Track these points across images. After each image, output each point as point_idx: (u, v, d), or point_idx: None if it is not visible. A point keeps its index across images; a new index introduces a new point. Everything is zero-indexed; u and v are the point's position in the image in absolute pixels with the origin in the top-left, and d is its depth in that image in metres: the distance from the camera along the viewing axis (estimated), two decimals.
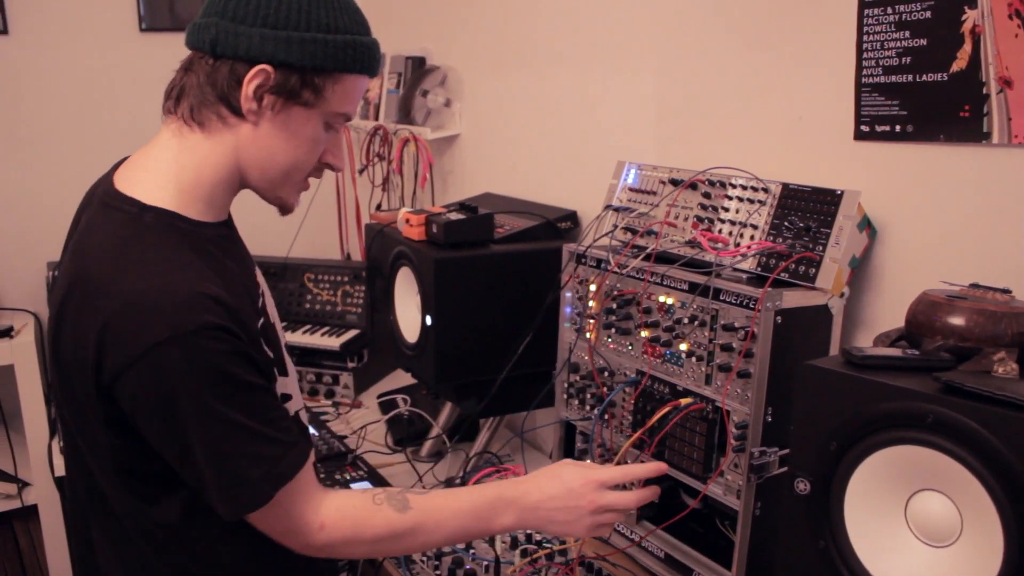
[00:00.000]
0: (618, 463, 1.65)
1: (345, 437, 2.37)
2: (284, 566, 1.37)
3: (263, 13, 1.21)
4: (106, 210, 1.25)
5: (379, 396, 2.65)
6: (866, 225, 1.47)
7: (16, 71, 3.00)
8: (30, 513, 2.81)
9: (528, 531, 1.75)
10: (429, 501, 1.34)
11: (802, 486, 1.12)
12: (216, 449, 1.19)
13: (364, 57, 1.27)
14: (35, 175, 3.08)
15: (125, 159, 1.35)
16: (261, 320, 1.34)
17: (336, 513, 1.29)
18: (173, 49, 1.33)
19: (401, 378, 2.73)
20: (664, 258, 1.59)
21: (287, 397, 1.39)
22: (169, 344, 1.13)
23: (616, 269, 1.65)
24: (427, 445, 2.33)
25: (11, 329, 2.76)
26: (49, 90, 3.06)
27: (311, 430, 2.34)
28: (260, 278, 1.44)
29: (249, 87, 1.22)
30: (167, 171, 1.26)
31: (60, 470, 2.64)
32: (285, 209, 1.38)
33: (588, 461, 1.44)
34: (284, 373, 1.40)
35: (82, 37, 3.08)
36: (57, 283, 1.27)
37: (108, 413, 1.20)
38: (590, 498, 1.37)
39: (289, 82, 1.22)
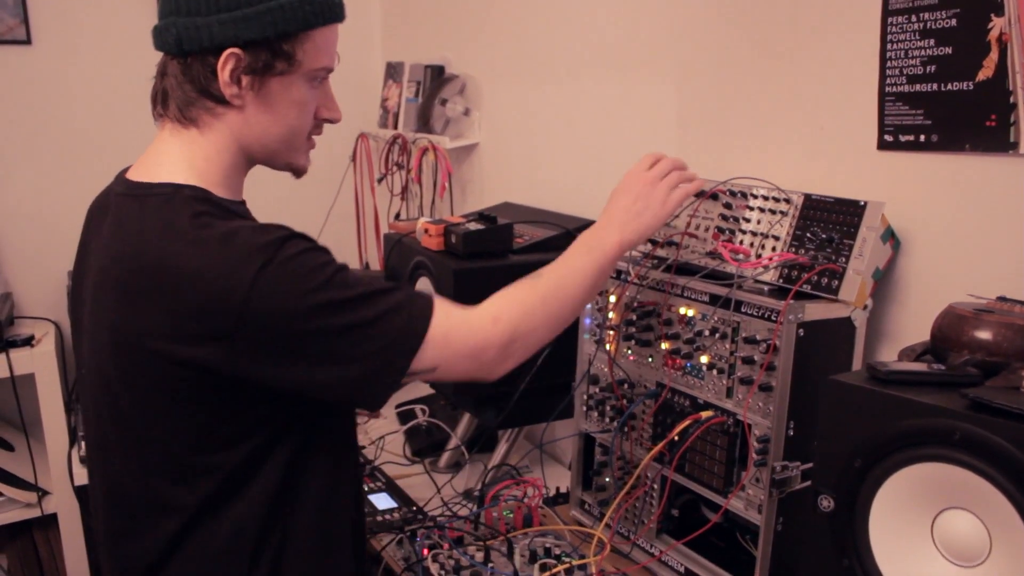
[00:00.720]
0: (638, 476, 1.64)
1: (363, 448, 2.36)
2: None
3: (214, 0, 1.22)
4: (136, 200, 1.27)
5: (397, 406, 2.64)
6: (890, 236, 1.45)
7: (39, 81, 3.02)
8: (50, 522, 2.82)
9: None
10: (549, 266, 1.43)
11: (826, 503, 1.10)
12: (359, 322, 1.21)
13: (324, 7, 1.28)
14: (55, 184, 3.10)
15: (126, 169, 1.37)
16: None
17: (499, 301, 1.35)
18: (159, 62, 1.33)
19: (419, 388, 2.72)
20: (685, 269, 1.58)
21: None
22: (268, 267, 1.16)
23: (636, 280, 1.63)
24: (445, 456, 2.32)
25: (32, 338, 2.77)
26: (70, 100, 3.08)
27: None
28: None
29: (224, 74, 1.24)
30: (180, 161, 1.30)
31: (80, 479, 2.65)
32: (298, 172, 1.41)
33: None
34: None
35: (104, 47, 3.09)
36: (97, 277, 1.27)
37: (207, 368, 1.19)
38: (645, 179, 1.49)
39: (260, 58, 1.24)
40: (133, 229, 1.24)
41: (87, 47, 3.07)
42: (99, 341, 1.28)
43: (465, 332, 1.31)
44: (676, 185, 1.49)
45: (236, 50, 1.23)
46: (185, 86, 1.27)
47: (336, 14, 1.31)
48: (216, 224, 1.21)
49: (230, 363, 1.19)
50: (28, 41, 2.98)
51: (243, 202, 1.39)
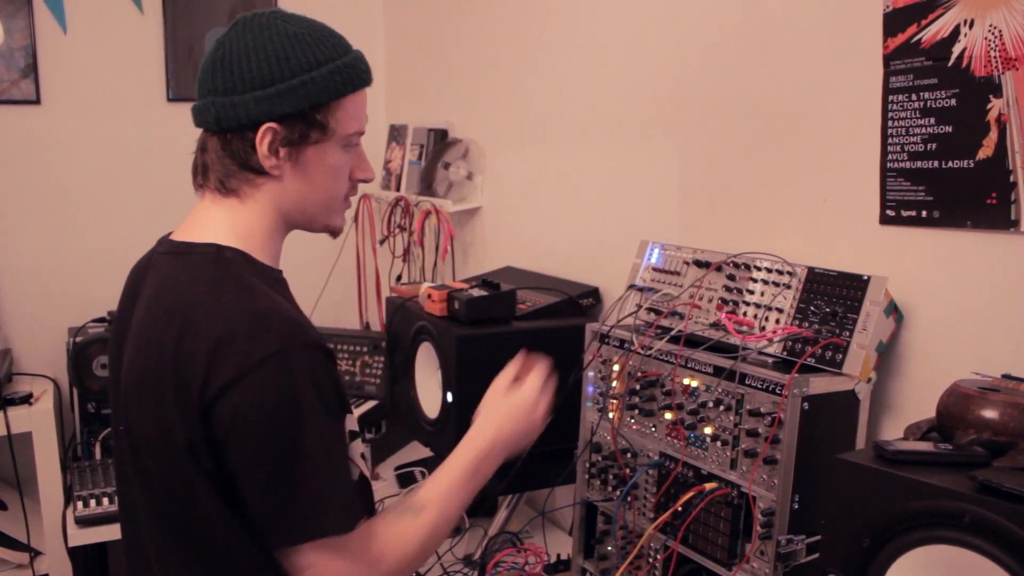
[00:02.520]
0: (641, 547, 1.63)
1: None
2: None
3: (247, 78, 1.28)
4: (181, 257, 1.34)
5: (396, 468, 2.63)
6: (893, 310, 1.47)
7: (47, 140, 3.06)
8: None
9: None
10: (433, 492, 1.40)
11: None
12: (314, 462, 1.21)
13: (352, 76, 1.33)
14: (58, 242, 3.12)
15: (168, 235, 1.42)
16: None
17: (383, 544, 1.32)
18: (198, 138, 1.37)
19: (418, 449, 2.71)
20: (688, 340, 1.58)
21: (354, 434, 1.45)
22: (281, 355, 1.19)
23: (640, 351, 1.64)
24: None
25: (30, 396, 2.76)
26: (77, 159, 3.11)
27: None
28: None
29: (262, 147, 1.29)
30: (224, 226, 1.35)
31: (74, 540, 2.62)
32: (334, 232, 1.46)
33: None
34: (350, 411, 1.45)
35: (112, 107, 3.14)
36: (146, 327, 1.30)
37: (197, 437, 1.22)
38: (533, 416, 1.53)
39: (296, 130, 1.30)
40: (175, 282, 1.31)
41: (95, 108, 3.12)
42: (143, 395, 1.30)
43: (360, 551, 1.29)
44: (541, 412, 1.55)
45: (273, 124, 1.28)
46: (225, 160, 1.32)
47: (364, 80, 1.37)
48: (257, 297, 1.26)
49: (203, 430, 1.22)
50: (37, 101, 3.02)
51: (280, 271, 1.42)
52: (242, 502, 1.24)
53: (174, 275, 1.32)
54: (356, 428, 1.46)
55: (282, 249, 1.43)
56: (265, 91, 1.27)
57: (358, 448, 1.44)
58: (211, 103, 1.30)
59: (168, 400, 1.23)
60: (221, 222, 1.34)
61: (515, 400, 1.52)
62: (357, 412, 2.64)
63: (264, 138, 1.29)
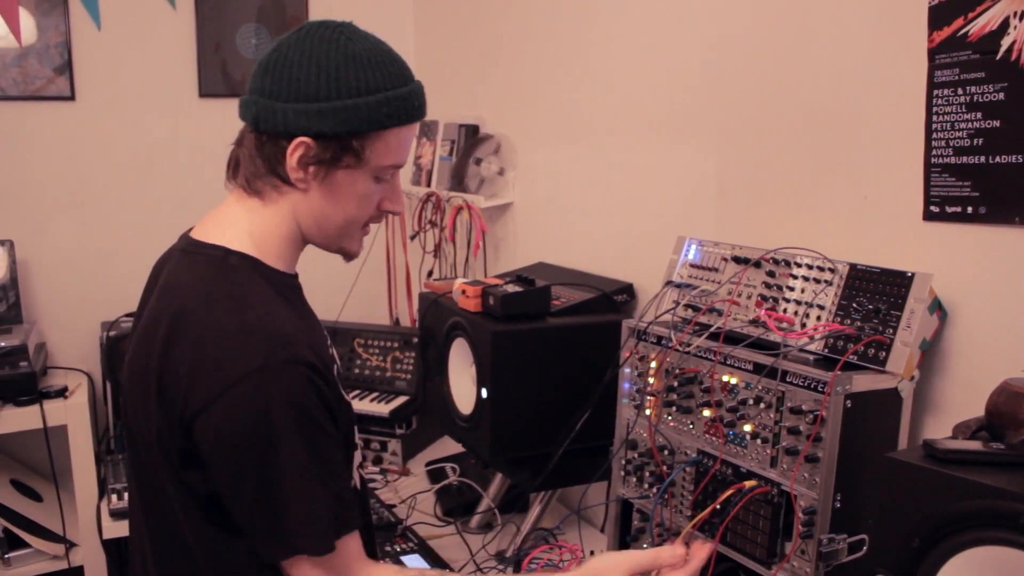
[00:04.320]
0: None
1: (394, 506, 2.35)
2: None
3: (295, 88, 1.25)
4: (189, 256, 1.33)
5: (427, 464, 2.63)
6: (937, 307, 1.45)
7: (81, 136, 3.08)
8: (76, 575, 2.80)
9: None
10: None
11: None
12: (292, 483, 1.20)
13: (401, 110, 1.30)
14: (93, 236, 3.14)
15: (191, 228, 1.41)
16: (336, 367, 1.39)
17: None
18: (229, 115, 1.39)
19: (449, 445, 2.71)
20: (727, 337, 1.57)
21: (355, 445, 1.45)
22: (261, 372, 1.18)
23: (679, 347, 1.63)
24: (476, 517, 2.30)
25: (65, 389, 2.78)
26: (111, 154, 3.13)
27: None
28: (326, 335, 1.48)
29: (292, 159, 1.28)
30: (240, 227, 1.34)
31: (108, 532, 2.65)
32: (348, 256, 1.44)
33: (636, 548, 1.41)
34: (355, 422, 1.46)
35: (145, 103, 3.16)
36: (144, 325, 1.32)
37: (180, 447, 1.23)
38: None
39: (329, 151, 1.27)
40: (178, 282, 1.30)
41: (129, 104, 3.14)
42: (134, 391, 1.32)
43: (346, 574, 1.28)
44: None
45: (307, 139, 1.26)
46: (256, 160, 1.31)
47: (412, 116, 1.33)
48: (247, 308, 1.24)
49: (185, 443, 1.23)
50: (72, 97, 3.05)
51: (295, 275, 1.42)
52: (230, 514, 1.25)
53: (178, 275, 1.32)
54: (357, 440, 1.47)
55: (303, 250, 1.42)
56: (307, 105, 1.25)
57: (356, 459, 1.45)
58: (255, 102, 1.29)
59: (153, 403, 1.24)
60: (239, 223, 1.34)
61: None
62: (388, 407, 2.65)
63: (296, 151, 1.27)
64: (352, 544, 1.29)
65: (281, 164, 1.29)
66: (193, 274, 1.30)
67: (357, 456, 1.46)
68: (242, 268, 1.30)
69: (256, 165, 1.32)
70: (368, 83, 1.27)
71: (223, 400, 1.17)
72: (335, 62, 1.26)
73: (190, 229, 1.41)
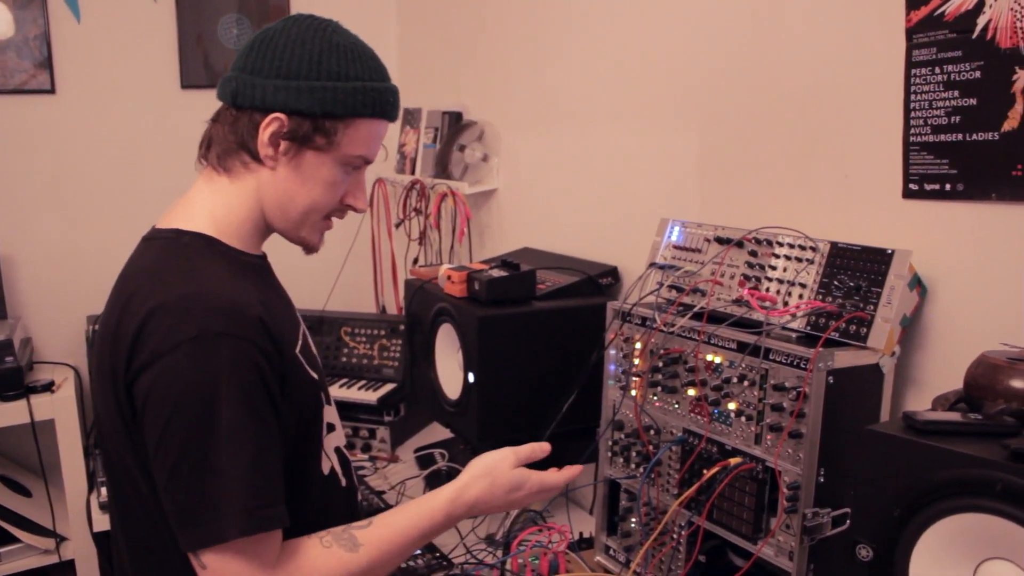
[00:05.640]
0: (666, 523, 1.64)
1: (383, 493, 2.36)
2: None
3: (277, 65, 1.29)
4: (147, 243, 1.36)
5: (416, 451, 2.64)
6: (916, 284, 1.47)
7: (62, 129, 3.07)
8: (67, 568, 2.81)
9: None
10: (376, 532, 1.32)
11: (864, 552, 1.10)
12: (209, 461, 1.16)
13: (376, 102, 1.33)
14: (76, 230, 3.13)
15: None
16: (300, 344, 1.37)
17: (302, 567, 1.25)
18: (212, 106, 1.39)
19: (437, 431, 2.72)
20: (711, 317, 1.59)
21: (331, 427, 1.44)
22: (195, 342, 1.17)
23: (663, 328, 1.64)
24: None
25: (52, 383, 2.78)
26: (93, 147, 3.12)
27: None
28: (300, 317, 1.46)
29: (264, 134, 1.30)
30: (203, 209, 1.35)
31: (99, 525, 2.65)
32: (308, 248, 1.43)
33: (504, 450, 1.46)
34: (329, 403, 1.44)
35: (126, 95, 3.15)
36: (103, 316, 1.33)
37: (126, 415, 1.24)
38: (510, 499, 1.42)
39: (302, 128, 1.29)
40: (133, 268, 1.33)
41: (110, 97, 3.13)
42: (96, 382, 1.34)
43: (252, 570, 1.20)
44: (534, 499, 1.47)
45: (281, 115, 1.28)
46: (229, 136, 1.33)
47: (388, 113, 1.36)
48: (193, 281, 1.24)
49: (130, 407, 1.24)
50: (52, 90, 3.03)
51: (262, 256, 1.43)
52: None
53: (134, 262, 1.34)
54: (334, 422, 1.45)
55: (273, 239, 1.42)
56: (287, 82, 1.28)
57: (333, 442, 1.43)
58: (235, 77, 1.32)
59: (107, 380, 1.26)
60: (201, 206, 1.35)
61: (519, 479, 1.42)
62: (376, 395, 2.66)
63: (269, 126, 1.29)
64: (268, 543, 1.22)
65: (253, 139, 1.31)
66: (147, 259, 1.31)
67: (335, 438, 1.45)
68: (193, 246, 1.31)
69: (228, 141, 1.33)
70: (348, 70, 1.30)
71: (158, 364, 1.17)
72: (319, 47, 1.29)
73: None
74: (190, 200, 1.37)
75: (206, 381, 1.17)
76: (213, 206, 1.35)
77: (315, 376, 1.38)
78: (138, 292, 1.24)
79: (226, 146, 1.34)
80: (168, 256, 1.29)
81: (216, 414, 1.17)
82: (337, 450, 1.46)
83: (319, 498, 1.41)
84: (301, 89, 1.28)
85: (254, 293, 1.28)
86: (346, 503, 1.48)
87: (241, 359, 1.19)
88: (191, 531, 1.18)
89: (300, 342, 1.37)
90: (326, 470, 1.41)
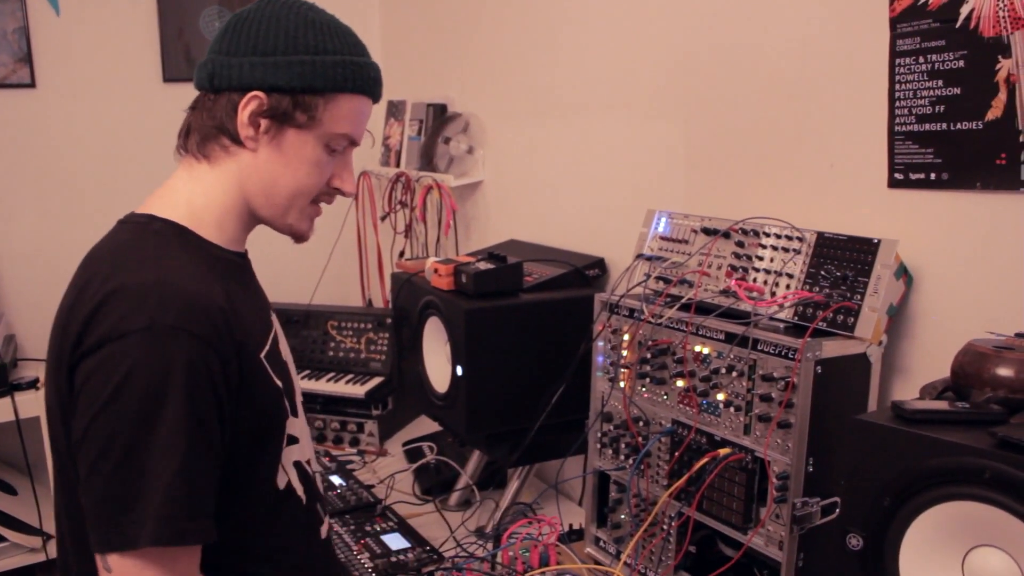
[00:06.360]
0: (656, 513, 1.64)
1: (372, 487, 2.35)
2: None
3: (252, 43, 1.25)
4: (119, 226, 1.32)
5: (404, 444, 2.64)
6: (903, 273, 1.47)
7: (43, 123, 3.04)
8: (54, 566, 2.79)
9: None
10: None
11: (855, 541, 1.11)
12: (134, 459, 1.10)
13: (356, 76, 1.29)
14: (58, 226, 3.11)
15: None
16: (267, 349, 1.31)
17: None
18: (194, 98, 1.36)
19: (425, 424, 2.72)
20: (699, 308, 1.59)
21: (293, 439, 1.36)
22: (146, 333, 1.11)
23: (651, 319, 1.64)
24: (455, 495, 2.31)
25: (37, 380, 2.76)
26: (74, 142, 3.10)
27: (338, 480, 2.33)
28: (275, 321, 1.41)
29: (244, 113, 1.26)
30: (180, 196, 1.31)
31: None
32: (298, 237, 1.38)
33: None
34: (295, 414, 1.37)
35: (107, 89, 3.12)
36: (64, 294, 1.27)
37: (65, 400, 1.17)
38: None
39: (281, 105, 1.25)
40: (98, 249, 1.29)
41: (91, 90, 3.10)
42: (48, 364, 1.28)
43: None
44: None
45: (259, 93, 1.25)
46: (208, 121, 1.29)
47: (368, 88, 1.32)
48: (152, 268, 1.18)
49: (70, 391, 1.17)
50: (32, 84, 3.01)
51: (241, 254, 1.38)
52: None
53: (100, 245, 1.30)
54: (299, 435, 1.37)
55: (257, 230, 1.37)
56: (263, 59, 1.24)
57: (293, 455, 1.36)
58: (212, 60, 1.28)
59: (53, 362, 1.22)
60: (179, 193, 1.31)
61: None
62: (363, 388, 2.65)
63: (248, 104, 1.25)
64: (181, 561, 1.15)
65: (232, 120, 1.27)
66: (114, 242, 1.28)
67: (296, 451, 1.37)
68: (163, 233, 1.26)
69: (207, 126, 1.29)
70: (327, 44, 1.27)
71: (103, 351, 1.11)
72: (295, 24, 1.26)
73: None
74: (168, 187, 1.33)
75: (151, 376, 1.11)
76: (192, 194, 1.30)
77: (279, 384, 1.31)
78: (96, 275, 1.19)
79: (205, 132, 1.30)
80: (134, 241, 1.25)
81: (154, 412, 1.10)
82: (297, 464, 1.37)
83: (268, 512, 1.33)
84: (279, 64, 1.24)
85: (219, 289, 1.22)
86: (305, 520, 1.40)
87: (193, 358, 1.13)
88: (101, 530, 1.12)
89: (268, 347, 1.31)
90: (282, 484, 1.33)
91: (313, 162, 1.30)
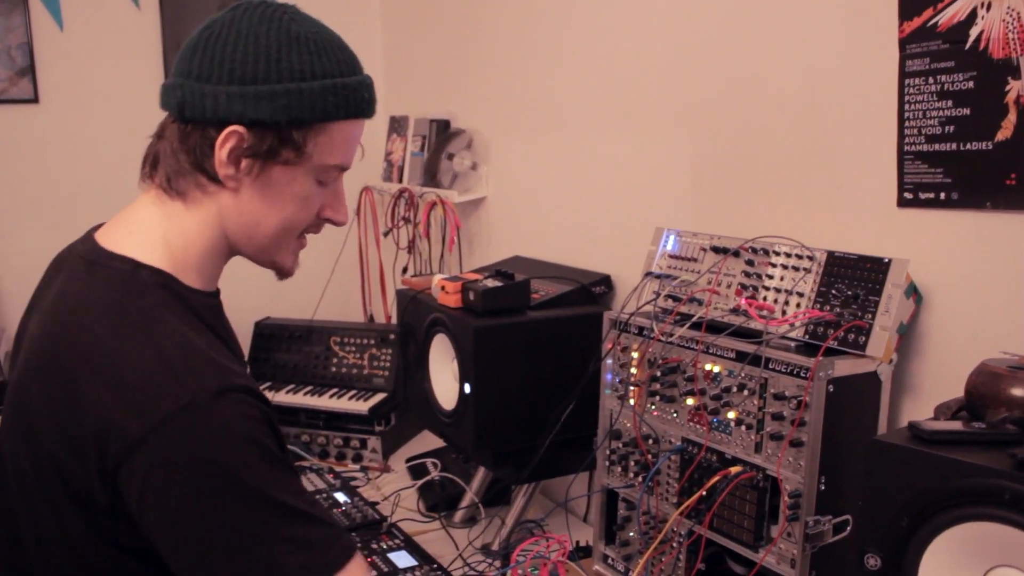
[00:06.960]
0: (667, 532, 1.64)
1: (377, 504, 2.35)
2: None
3: (228, 68, 1.10)
4: (91, 267, 1.16)
5: (408, 460, 2.63)
6: (912, 291, 1.48)
7: (46, 138, 3.04)
8: None
9: None
10: None
11: (872, 562, 1.11)
12: (248, 535, 1.03)
13: (348, 100, 1.16)
14: (60, 240, 3.06)
15: (99, 225, 1.27)
16: None
17: None
18: (159, 123, 1.25)
19: (428, 440, 2.72)
20: (709, 326, 1.59)
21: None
22: (189, 411, 1.01)
23: (661, 338, 1.65)
24: (460, 512, 2.31)
25: None
26: (76, 157, 3.09)
27: (343, 497, 2.33)
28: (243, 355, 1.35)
29: (222, 152, 1.12)
30: (155, 235, 1.18)
31: None
32: (282, 273, 1.29)
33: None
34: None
35: (111, 104, 3.12)
36: (36, 350, 1.14)
37: (108, 505, 1.06)
38: None
39: (265, 142, 1.12)
40: (77, 301, 1.13)
41: (94, 105, 3.10)
42: (13, 420, 1.15)
43: None
44: None
45: (240, 128, 1.11)
46: (180, 155, 1.15)
47: (362, 109, 1.20)
48: (164, 336, 1.07)
49: (110, 495, 1.05)
50: (35, 100, 3.01)
51: (216, 292, 1.27)
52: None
53: (78, 291, 1.14)
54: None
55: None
56: (242, 88, 1.10)
57: None
58: (180, 84, 1.12)
59: (49, 442, 1.08)
60: (154, 230, 1.17)
61: None
62: (367, 404, 2.65)
63: (227, 142, 1.11)
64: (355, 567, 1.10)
65: (209, 158, 1.13)
66: (95, 292, 1.12)
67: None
68: (152, 286, 1.13)
69: (179, 161, 1.15)
70: (313, 67, 1.13)
71: (145, 448, 1.00)
72: (276, 42, 1.12)
73: (93, 229, 1.25)
74: (139, 221, 1.19)
75: (216, 448, 1.02)
76: (168, 235, 1.17)
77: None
78: (98, 345, 1.06)
79: (177, 167, 1.15)
80: (125, 299, 1.11)
81: (251, 472, 1.02)
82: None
83: None
84: (260, 95, 1.10)
85: (216, 343, 1.15)
86: None
87: (246, 412, 1.05)
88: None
89: None
90: None
91: (301, 198, 1.19)
